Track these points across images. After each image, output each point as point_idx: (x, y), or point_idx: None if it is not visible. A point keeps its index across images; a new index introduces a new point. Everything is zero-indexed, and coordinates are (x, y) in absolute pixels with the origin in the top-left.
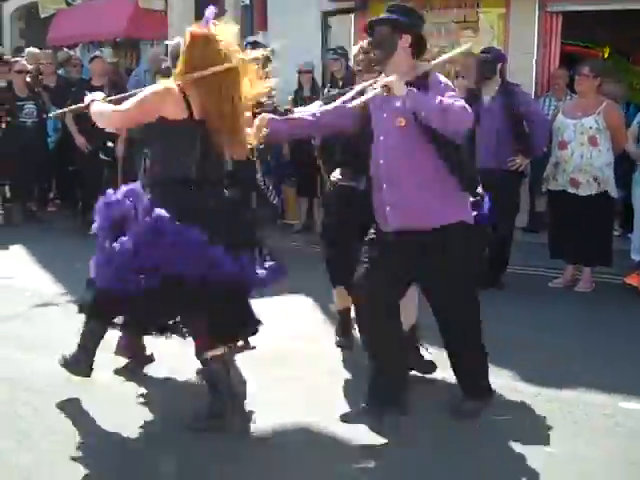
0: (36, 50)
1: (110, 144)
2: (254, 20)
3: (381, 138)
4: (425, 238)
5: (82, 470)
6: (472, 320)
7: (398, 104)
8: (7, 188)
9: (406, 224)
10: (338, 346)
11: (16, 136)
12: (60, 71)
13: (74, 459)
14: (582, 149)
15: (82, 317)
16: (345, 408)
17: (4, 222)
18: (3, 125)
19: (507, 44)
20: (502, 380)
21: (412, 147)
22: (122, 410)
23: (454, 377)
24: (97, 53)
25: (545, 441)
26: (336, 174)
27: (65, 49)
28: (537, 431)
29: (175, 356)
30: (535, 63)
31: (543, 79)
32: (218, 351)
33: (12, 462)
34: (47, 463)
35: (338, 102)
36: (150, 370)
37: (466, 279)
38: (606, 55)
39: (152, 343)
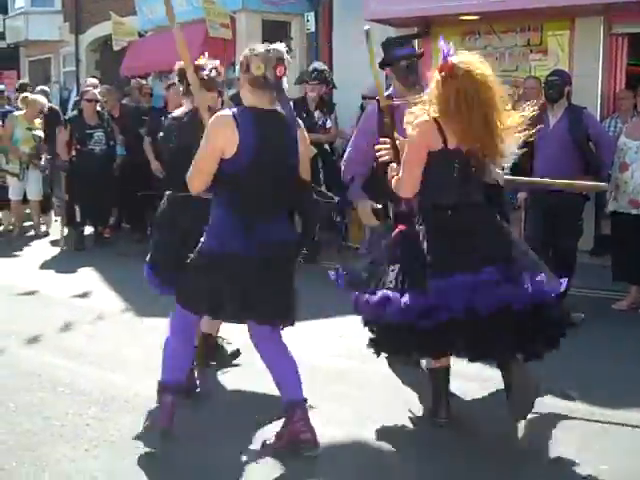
0: (95, 81)
1: None
2: (319, 47)
3: None
4: None
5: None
6: None
7: None
8: (77, 212)
9: None
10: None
11: (86, 162)
12: (125, 100)
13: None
14: None
15: (147, 333)
16: (396, 423)
17: (74, 246)
18: (74, 152)
19: (572, 66)
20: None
21: None
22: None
23: None
24: (174, 81)
25: (595, 462)
26: None
27: (138, 79)
28: (586, 454)
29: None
30: (600, 85)
31: (609, 101)
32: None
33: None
34: (111, 472)
35: None
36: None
37: None
38: None
39: None
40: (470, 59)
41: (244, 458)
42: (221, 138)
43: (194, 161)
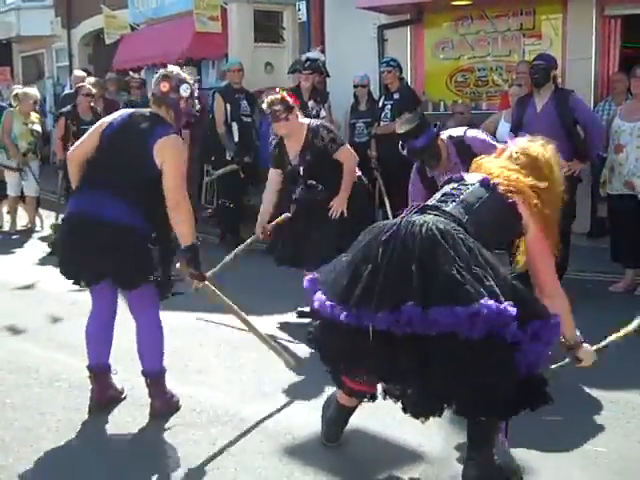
0: (82, 73)
1: None
2: (311, 36)
3: None
4: None
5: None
6: None
7: None
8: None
9: None
10: None
11: None
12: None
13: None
14: (638, 152)
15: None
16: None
17: None
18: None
19: (565, 49)
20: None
21: None
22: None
23: None
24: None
25: (594, 441)
26: None
27: (131, 72)
28: (586, 430)
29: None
30: (594, 67)
31: (603, 83)
32: None
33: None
34: (110, 466)
35: None
36: None
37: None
38: None
39: None
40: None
41: None
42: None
43: None
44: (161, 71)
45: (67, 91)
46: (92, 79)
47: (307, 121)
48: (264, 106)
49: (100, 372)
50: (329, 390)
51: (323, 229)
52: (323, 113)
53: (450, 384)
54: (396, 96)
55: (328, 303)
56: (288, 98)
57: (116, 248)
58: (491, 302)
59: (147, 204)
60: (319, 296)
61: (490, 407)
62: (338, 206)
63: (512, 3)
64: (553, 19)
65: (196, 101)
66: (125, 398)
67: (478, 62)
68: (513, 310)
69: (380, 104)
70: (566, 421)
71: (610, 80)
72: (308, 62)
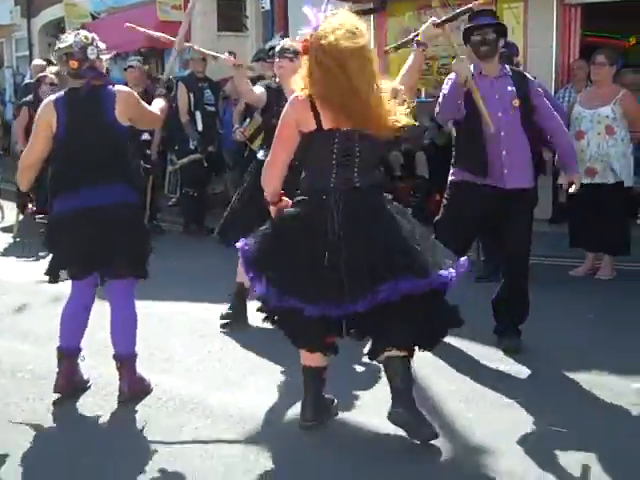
0: (42, 62)
1: (147, 151)
2: (275, 24)
3: (500, 114)
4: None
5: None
6: (528, 261)
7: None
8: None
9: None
10: None
11: None
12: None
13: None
14: (598, 139)
15: (108, 314)
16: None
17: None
18: None
19: (526, 38)
20: (520, 365)
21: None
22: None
23: None
24: (133, 63)
25: (557, 419)
26: None
27: None
28: (549, 410)
29: None
30: (555, 55)
31: (563, 71)
32: None
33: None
34: (74, 457)
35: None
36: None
37: (531, 229)
38: (632, 44)
39: None
40: (332, 26)
41: None
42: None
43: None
44: (58, 51)
45: (27, 80)
46: (53, 68)
47: None
48: (277, 47)
49: (70, 355)
50: (294, 377)
51: None
52: None
53: (404, 327)
54: None
55: (289, 298)
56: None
57: (121, 229)
58: (442, 272)
59: (128, 170)
60: (268, 288)
61: (433, 339)
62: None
63: None
64: (514, 7)
65: (102, 45)
66: (90, 387)
67: (441, 50)
68: (453, 274)
69: None
70: (527, 401)
71: (570, 67)
72: (272, 51)
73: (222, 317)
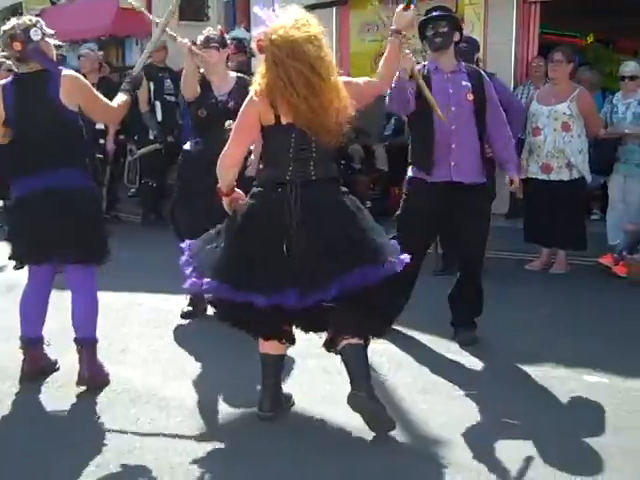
0: None
1: (101, 141)
2: (236, 15)
3: (453, 109)
4: (468, 190)
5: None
6: (482, 255)
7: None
8: None
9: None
10: None
11: None
12: None
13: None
14: (555, 135)
15: (63, 301)
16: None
17: None
18: None
19: (486, 34)
20: (475, 357)
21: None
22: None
23: None
24: (86, 50)
25: (509, 412)
26: None
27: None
28: (502, 403)
29: None
30: (514, 52)
31: (522, 68)
32: None
33: None
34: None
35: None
36: None
37: (486, 223)
38: (589, 42)
39: None
40: (281, 21)
41: None
42: None
43: None
44: (3, 35)
45: None
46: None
47: (234, 74)
48: (200, 36)
49: (34, 342)
50: (252, 368)
51: None
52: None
53: (360, 315)
54: None
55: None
56: (226, 37)
57: (78, 215)
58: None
59: (80, 155)
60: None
61: (383, 326)
62: (254, 166)
63: None
64: (475, 4)
65: (48, 30)
66: (58, 369)
67: (402, 44)
68: (406, 258)
69: None
70: (480, 393)
71: (529, 64)
72: (234, 41)
73: (183, 313)
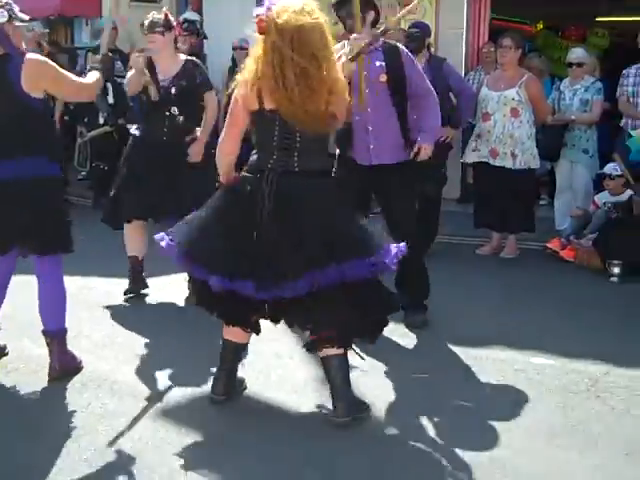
0: None
1: None
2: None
3: (367, 91)
4: (391, 171)
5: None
6: (414, 235)
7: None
8: None
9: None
10: None
11: None
12: None
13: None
14: (504, 120)
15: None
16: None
17: None
18: None
19: (438, 20)
20: (427, 340)
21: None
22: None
23: None
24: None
25: (459, 394)
26: None
27: None
28: (452, 385)
29: None
30: (465, 38)
31: (473, 54)
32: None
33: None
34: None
35: None
36: None
37: (413, 203)
38: (539, 29)
39: None
40: (290, 4)
41: None
42: None
43: None
44: None
45: None
46: None
47: (184, 56)
48: (145, 21)
49: None
50: (203, 351)
51: (184, 179)
52: None
53: (341, 318)
54: None
55: (217, 278)
56: (171, 19)
57: (37, 205)
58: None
59: (44, 142)
60: (202, 271)
61: (374, 329)
62: (197, 153)
63: None
64: None
65: (20, 14)
66: (7, 354)
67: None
68: (402, 248)
69: None
70: (433, 378)
71: (480, 50)
72: (185, 24)
73: (125, 292)
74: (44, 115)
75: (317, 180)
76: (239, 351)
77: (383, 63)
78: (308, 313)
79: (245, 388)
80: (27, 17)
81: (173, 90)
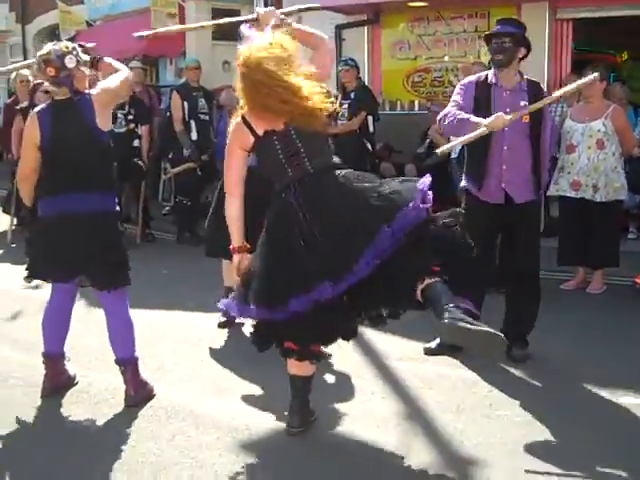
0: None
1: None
2: None
3: (506, 130)
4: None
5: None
6: (538, 270)
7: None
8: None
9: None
10: None
11: None
12: None
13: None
14: (589, 152)
15: (100, 322)
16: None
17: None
18: None
19: None
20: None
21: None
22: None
23: None
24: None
25: (545, 434)
26: None
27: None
28: (537, 423)
29: None
30: (547, 69)
31: (555, 85)
32: None
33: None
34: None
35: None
36: None
37: (538, 240)
38: (624, 59)
39: None
40: (256, 44)
41: None
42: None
43: None
44: (37, 59)
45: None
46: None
47: None
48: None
49: (54, 358)
50: (284, 385)
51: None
52: None
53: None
54: (353, 95)
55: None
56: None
57: (104, 237)
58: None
59: (111, 178)
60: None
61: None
62: None
63: (467, 5)
64: None
65: (85, 57)
66: (77, 384)
67: (435, 62)
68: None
69: (337, 103)
70: (515, 414)
71: (562, 82)
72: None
73: (219, 325)
74: (111, 152)
75: (333, 173)
76: (307, 384)
77: (526, 102)
78: (390, 283)
79: (316, 419)
80: (87, 57)
81: None
